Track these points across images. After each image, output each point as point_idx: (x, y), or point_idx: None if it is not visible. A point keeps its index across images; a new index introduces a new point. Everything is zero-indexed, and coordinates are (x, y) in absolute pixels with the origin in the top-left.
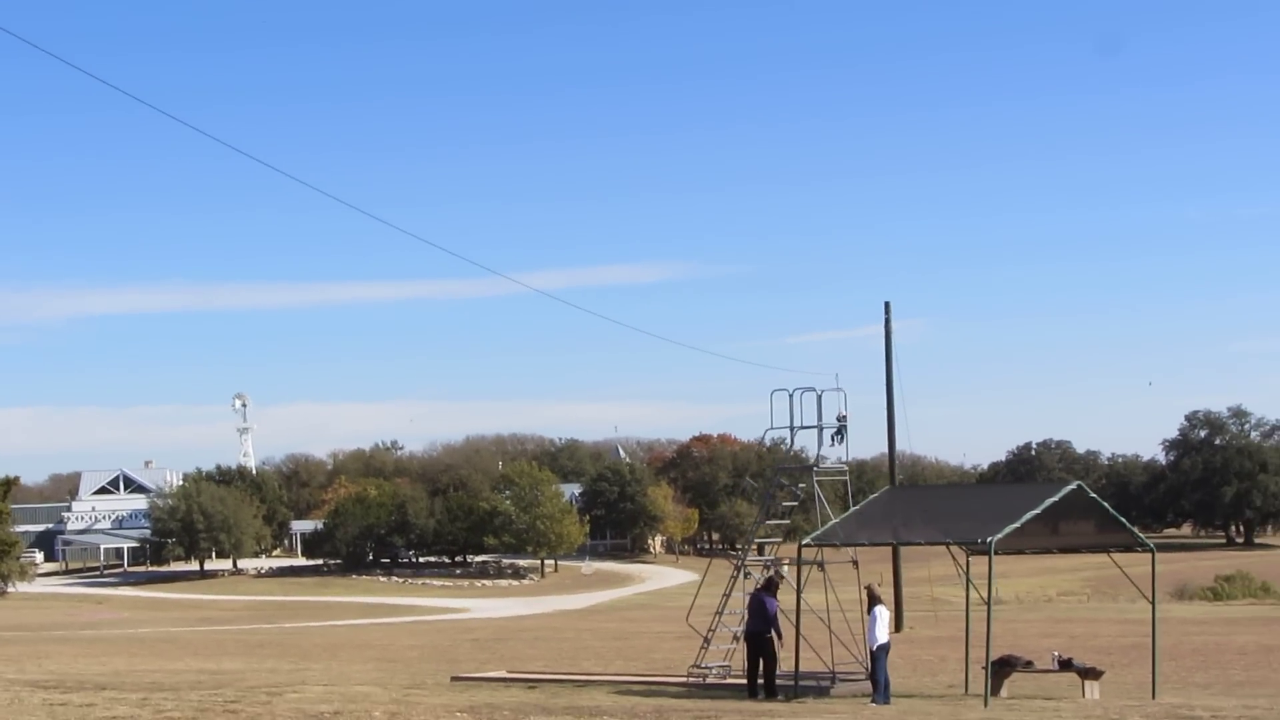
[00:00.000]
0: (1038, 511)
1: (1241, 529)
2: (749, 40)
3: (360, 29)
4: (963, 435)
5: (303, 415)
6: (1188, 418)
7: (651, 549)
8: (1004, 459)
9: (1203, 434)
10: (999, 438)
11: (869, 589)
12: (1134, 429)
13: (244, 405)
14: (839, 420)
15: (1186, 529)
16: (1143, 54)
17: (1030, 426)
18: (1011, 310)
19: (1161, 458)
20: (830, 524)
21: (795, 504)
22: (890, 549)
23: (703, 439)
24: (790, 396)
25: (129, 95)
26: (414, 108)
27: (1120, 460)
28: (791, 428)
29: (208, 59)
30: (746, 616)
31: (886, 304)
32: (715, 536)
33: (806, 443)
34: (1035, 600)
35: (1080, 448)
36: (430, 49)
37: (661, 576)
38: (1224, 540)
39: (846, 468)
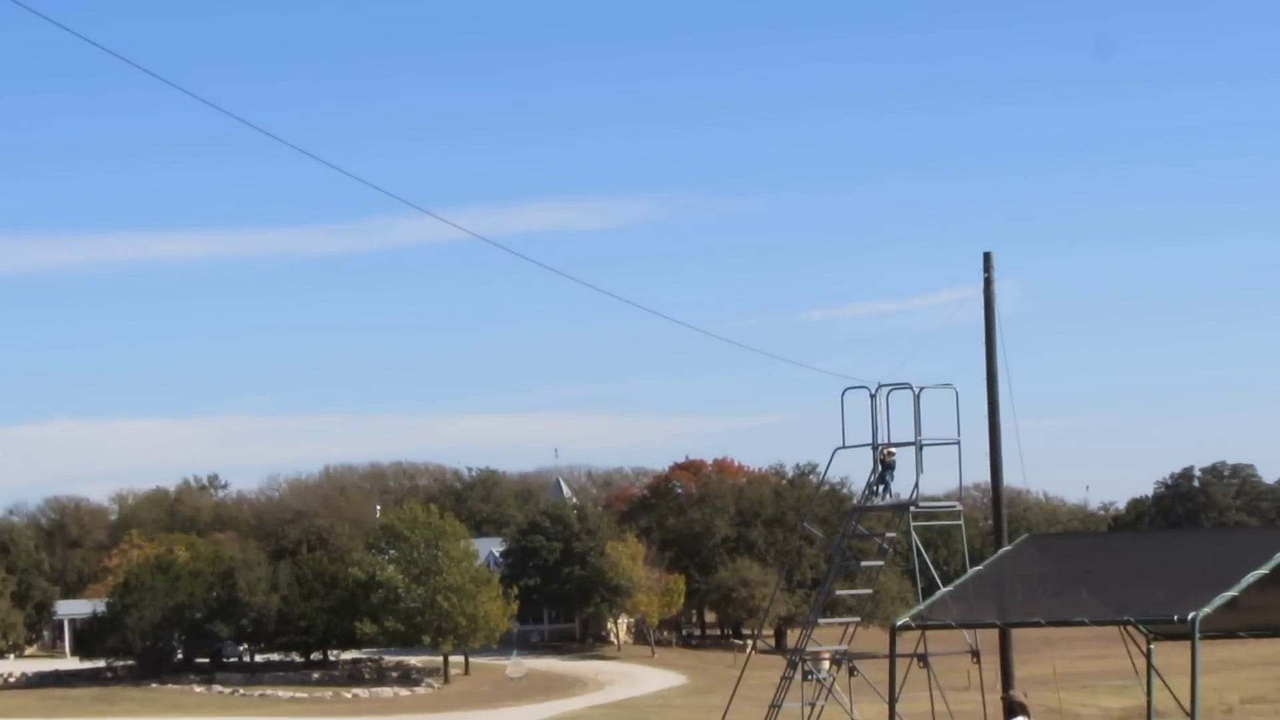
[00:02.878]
0: (1264, 572)
1: None
2: None
3: None
4: (1081, 461)
5: (66, 438)
6: None
7: (614, 637)
8: (1151, 494)
9: None
10: (1138, 465)
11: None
12: None
13: None
14: (884, 456)
15: None
16: None
17: (1186, 447)
18: (1147, 281)
19: None
20: (939, 594)
21: (878, 564)
22: (997, 633)
23: (690, 467)
24: (872, 399)
25: None
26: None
27: None
28: (875, 445)
29: None
30: None
31: (987, 255)
32: (710, 617)
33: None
34: (1210, 710)
35: (1269, 475)
36: None
37: (631, 679)
38: None
39: (960, 507)
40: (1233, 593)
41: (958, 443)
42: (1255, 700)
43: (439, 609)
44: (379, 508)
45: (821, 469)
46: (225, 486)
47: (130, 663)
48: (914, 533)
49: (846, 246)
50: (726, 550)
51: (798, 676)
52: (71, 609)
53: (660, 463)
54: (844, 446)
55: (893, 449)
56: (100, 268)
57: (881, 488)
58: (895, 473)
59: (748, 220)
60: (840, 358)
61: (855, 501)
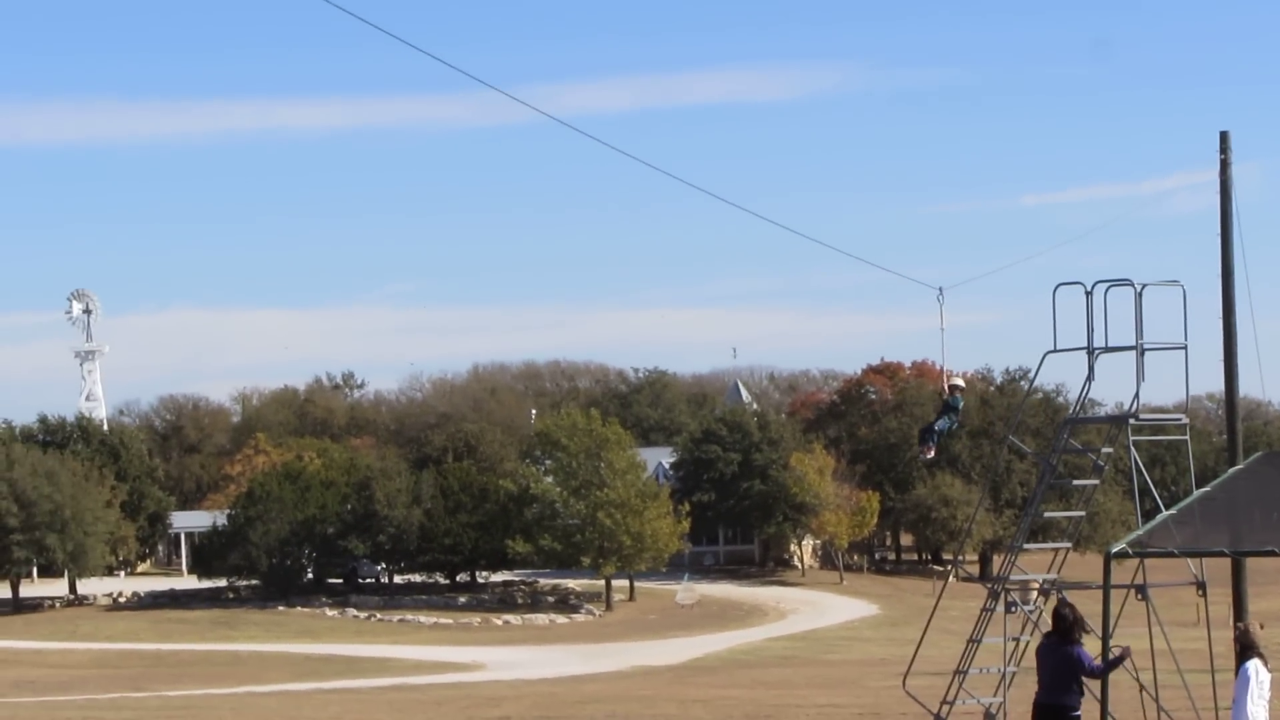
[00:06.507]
0: None
1: None
2: None
3: None
4: None
5: (184, 329)
6: None
7: (797, 560)
8: None
9: None
10: None
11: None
12: None
13: (87, 312)
14: (948, 394)
15: None
16: None
17: None
18: None
19: None
20: (1160, 517)
21: (1093, 483)
22: (1227, 564)
23: (885, 370)
24: (1088, 297)
25: None
26: None
27: None
28: (1090, 349)
29: None
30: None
31: (1223, 135)
32: (907, 540)
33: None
34: None
35: None
36: None
37: (816, 608)
38: None
39: (1186, 420)
40: None
41: (1184, 347)
42: None
43: (601, 527)
44: (534, 412)
45: (1032, 374)
46: (362, 386)
47: (254, 582)
48: (1134, 449)
49: (1066, 125)
50: (925, 465)
51: (1000, 608)
52: (189, 521)
53: (852, 365)
54: (1055, 350)
55: (959, 382)
56: (223, 137)
57: (932, 436)
58: (957, 415)
59: (950, 94)
60: (1058, 250)
61: (1069, 412)
